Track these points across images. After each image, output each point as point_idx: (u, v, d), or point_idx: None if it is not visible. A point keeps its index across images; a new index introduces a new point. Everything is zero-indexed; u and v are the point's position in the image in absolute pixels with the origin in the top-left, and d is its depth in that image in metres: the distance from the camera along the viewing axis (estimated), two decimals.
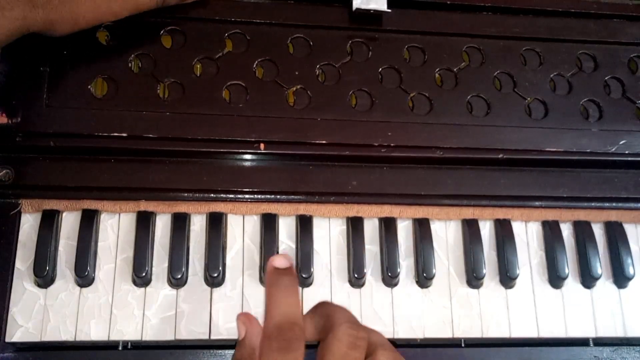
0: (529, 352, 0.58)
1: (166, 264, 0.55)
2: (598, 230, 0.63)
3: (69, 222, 0.56)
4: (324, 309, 0.43)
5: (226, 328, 0.55)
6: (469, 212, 0.61)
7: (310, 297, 0.56)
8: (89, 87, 0.57)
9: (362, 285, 0.58)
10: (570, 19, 0.67)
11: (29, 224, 0.55)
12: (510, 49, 0.65)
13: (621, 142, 0.63)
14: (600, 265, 0.60)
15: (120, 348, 0.54)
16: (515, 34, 0.66)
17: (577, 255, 0.62)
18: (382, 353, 0.41)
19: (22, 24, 0.51)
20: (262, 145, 0.58)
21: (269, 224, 0.58)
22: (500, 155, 0.61)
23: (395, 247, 0.58)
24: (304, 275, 0.56)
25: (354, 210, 0.59)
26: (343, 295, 0.57)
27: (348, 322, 0.41)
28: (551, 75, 0.65)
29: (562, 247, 0.61)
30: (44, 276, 0.53)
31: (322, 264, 0.58)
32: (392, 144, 0.60)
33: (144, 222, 0.56)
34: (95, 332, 0.53)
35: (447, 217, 0.61)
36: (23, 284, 0.54)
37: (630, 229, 0.63)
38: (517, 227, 0.61)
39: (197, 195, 0.57)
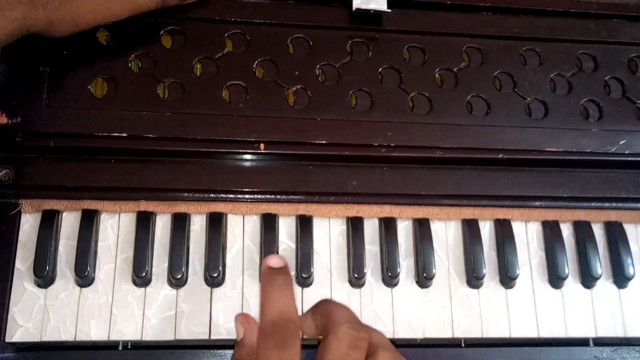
0: (529, 352, 0.58)
1: (166, 264, 0.55)
2: (598, 230, 0.63)
3: (69, 222, 0.56)
4: (325, 307, 0.43)
5: (226, 328, 0.55)
6: (469, 212, 0.61)
7: (310, 297, 0.56)
8: (89, 87, 0.57)
9: (362, 285, 0.58)
10: (570, 19, 0.67)
11: (29, 224, 0.55)
12: (510, 49, 0.65)
13: (621, 142, 0.63)
14: (600, 265, 0.60)
15: (120, 348, 0.54)
16: (515, 34, 0.66)
17: (577, 255, 0.62)
18: (382, 354, 0.41)
19: (22, 24, 0.51)
20: (262, 145, 0.58)
21: (269, 224, 0.58)
22: (500, 155, 0.61)
23: (395, 247, 0.58)
24: (304, 275, 0.56)
25: (354, 210, 0.59)
26: (343, 295, 0.57)
27: (349, 322, 0.41)
28: (551, 75, 0.65)
29: (562, 247, 0.61)
30: (44, 276, 0.53)
31: (322, 264, 0.58)
32: (392, 144, 0.60)
33: (144, 222, 0.56)
34: (95, 332, 0.53)
35: (447, 217, 0.61)
36: (23, 284, 0.54)
37: (630, 229, 0.63)
38: (517, 227, 0.61)
39: (197, 195, 0.57)
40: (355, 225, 0.59)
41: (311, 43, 0.62)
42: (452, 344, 0.58)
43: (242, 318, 0.44)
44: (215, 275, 0.55)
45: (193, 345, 0.54)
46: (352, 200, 0.59)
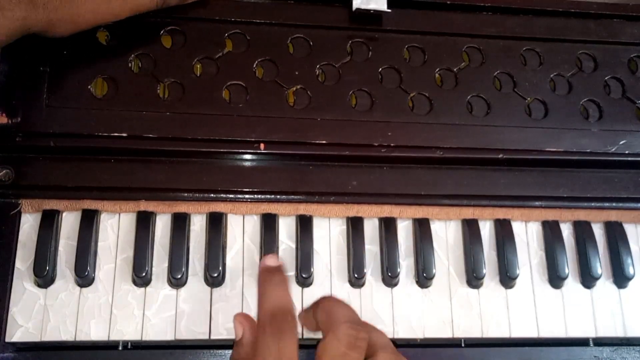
0: (529, 352, 0.58)
1: (166, 264, 0.55)
2: (598, 230, 0.63)
3: (69, 222, 0.56)
4: (326, 304, 0.43)
5: (226, 328, 0.55)
6: (469, 212, 0.61)
7: (310, 297, 0.56)
8: (89, 87, 0.57)
9: (362, 285, 0.58)
10: (570, 19, 0.67)
11: (29, 224, 0.55)
12: (510, 49, 0.65)
13: (621, 142, 0.63)
14: (600, 265, 0.60)
15: (120, 348, 0.54)
16: (515, 34, 0.66)
17: (577, 255, 0.62)
18: (382, 356, 0.41)
19: (22, 24, 0.51)
20: (262, 145, 0.58)
21: (269, 224, 0.58)
22: (500, 155, 0.61)
23: (395, 247, 0.58)
24: (304, 275, 0.56)
25: (354, 210, 0.59)
26: (343, 295, 0.57)
27: (349, 322, 0.41)
28: (551, 75, 0.65)
29: (562, 247, 0.60)
30: (44, 276, 0.53)
31: (322, 264, 0.58)
32: (392, 144, 0.60)
33: (144, 222, 0.56)
34: (95, 332, 0.53)
35: (447, 217, 0.61)
36: (23, 284, 0.54)
37: (630, 229, 0.63)
38: (517, 227, 0.61)
39: (197, 195, 0.57)
40: (355, 225, 0.59)
41: (311, 43, 0.62)
42: (452, 344, 0.58)
43: (241, 318, 0.44)
44: (215, 275, 0.55)
45: (193, 345, 0.54)
46: (352, 200, 0.59)
